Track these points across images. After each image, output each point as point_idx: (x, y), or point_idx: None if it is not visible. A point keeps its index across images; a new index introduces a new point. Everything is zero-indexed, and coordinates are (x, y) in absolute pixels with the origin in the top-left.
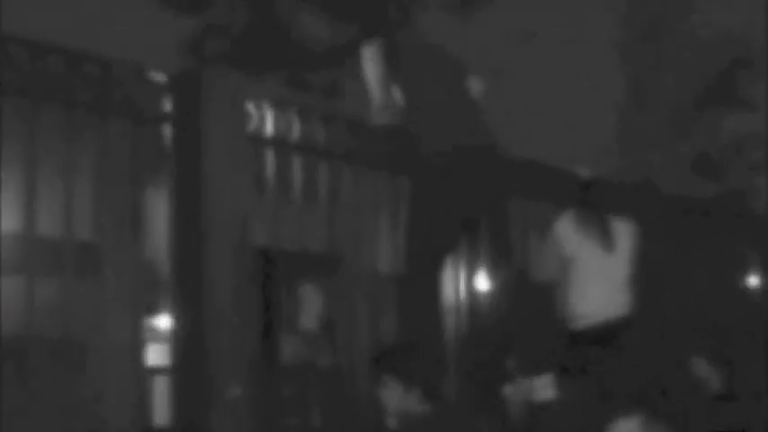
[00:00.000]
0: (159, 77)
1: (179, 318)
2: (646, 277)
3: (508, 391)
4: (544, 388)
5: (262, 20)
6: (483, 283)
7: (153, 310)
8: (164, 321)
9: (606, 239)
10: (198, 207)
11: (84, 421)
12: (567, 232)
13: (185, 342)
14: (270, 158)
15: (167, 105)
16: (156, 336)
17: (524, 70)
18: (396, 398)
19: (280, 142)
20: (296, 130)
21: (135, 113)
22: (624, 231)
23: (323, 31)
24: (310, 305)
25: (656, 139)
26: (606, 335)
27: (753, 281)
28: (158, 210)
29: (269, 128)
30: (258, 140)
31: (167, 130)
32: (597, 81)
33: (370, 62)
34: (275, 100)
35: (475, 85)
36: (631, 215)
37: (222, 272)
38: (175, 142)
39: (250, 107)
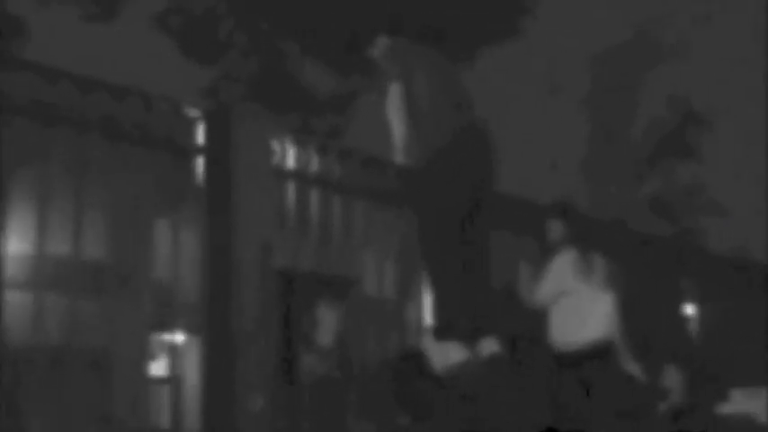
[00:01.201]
0: (193, 113)
1: (208, 334)
2: (622, 304)
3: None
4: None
5: (271, 70)
6: None
7: (161, 326)
8: (170, 337)
9: (599, 274)
10: (228, 233)
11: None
12: (567, 268)
13: (213, 357)
14: (290, 190)
15: (199, 138)
16: (163, 350)
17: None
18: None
19: (299, 176)
20: (314, 165)
21: (170, 145)
22: (605, 265)
23: (326, 81)
24: (326, 323)
25: (619, 181)
26: (595, 355)
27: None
28: (169, 234)
29: (290, 162)
30: (280, 174)
31: (196, 161)
32: (568, 128)
33: (393, 101)
34: (296, 137)
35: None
36: (608, 250)
37: (248, 292)
38: (207, 173)
39: (274, 143)
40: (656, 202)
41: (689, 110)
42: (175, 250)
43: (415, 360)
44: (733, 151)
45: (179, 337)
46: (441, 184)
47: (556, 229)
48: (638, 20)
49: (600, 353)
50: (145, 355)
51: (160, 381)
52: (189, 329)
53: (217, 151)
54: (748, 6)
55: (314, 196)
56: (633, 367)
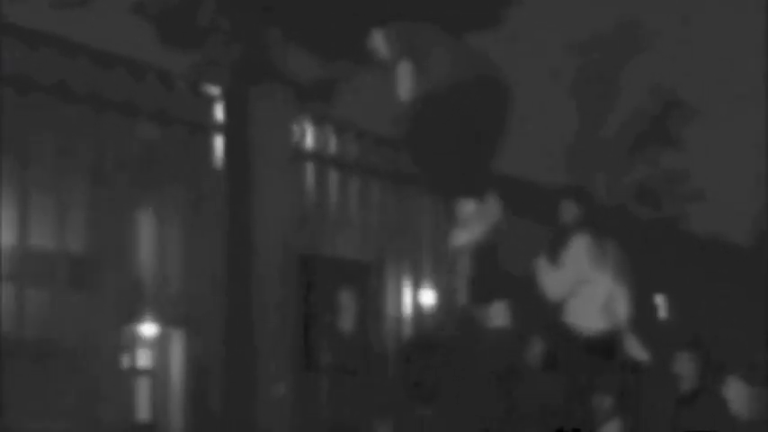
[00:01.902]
0: (213, 90)
1: (228, 319)
2: (630, 290)
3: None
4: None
5: (253, 56)
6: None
7: (137, 317)
8: (147, 329)
9: (611, 261)
10: (248, 213)
11: (73, 419)
12: (583, 254)
13: (233, 342)
14: (309, 171)
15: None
16: (140, 342)
17: None
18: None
19: (318, 156)
20: (332, 145)
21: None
22: (615, 251)
23: (310, 67)
24: (348, 309)
25: (603, 169)
26: (610, 342)
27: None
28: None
29: (308, 142)
30: (299, 154)
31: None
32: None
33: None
34: (314, 116)
35: None
36: (615, 235)
37: (269, 276)
38: (226, 152)
39: (292, 122)
40: (640, 189)
41: (671, 98)
42: (159, 241)
43: (427, 345)
44: (717, 138)
45: (159, 330)
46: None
47: (569, 211)
48: (623, 8)
49: (610, 341)
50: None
51: (140, 373)
52: (169, 321)
53: (236, 130)
54: None
55: (332, 177)
56: (641, 354)
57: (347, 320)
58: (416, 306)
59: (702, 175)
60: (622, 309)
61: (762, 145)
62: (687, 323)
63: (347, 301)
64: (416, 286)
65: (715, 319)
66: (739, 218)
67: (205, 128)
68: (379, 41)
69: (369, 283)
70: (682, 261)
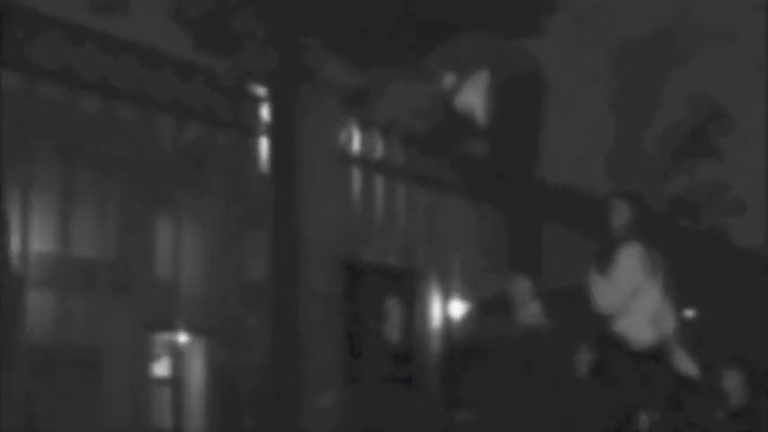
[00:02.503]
0: (260, 91)
1: (275, 326)
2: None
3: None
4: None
5: (289, 64)
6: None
7: (166, 326)
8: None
9: (660, 273)
10: (294, 217)
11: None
12: (637, 267)
13: (280, 351)
14: (355, 176)
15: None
16: (168, 350)
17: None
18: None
19: (364, 161)
20: (378, 150)
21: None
22: (664, 262)
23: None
24: (393, 318)
25: (642, 179)
26: (659, 354)
27: None
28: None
29: (355, 146)
30: (345, 158)
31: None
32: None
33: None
34: (361, 120)
35: None
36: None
37: (315, 282)
38: (272, 154)
39: (339, 126)
40: (678, 200)
41: (712, 109)
42: (178, 247)
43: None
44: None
45: (182, 338)
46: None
47: (621, 215)
48: (663, 17)
49: (658, 353)
50: (145, 356)
51: (162, 382)
52: (192, 330)
53: (282, 132)
54: None
55: (378, 183)
56: (690, 368)
57: (393, 329)
58: (459, 313)
59: (743, 187)
60: (670, 321)
61: None
62: (730, 337)
63: (392, 309)
64: (459, 293)
65: (756, 332)
66: None
67: (251, 130)
68: (441, 60)
69: (414, 290)
70: (723, 273)
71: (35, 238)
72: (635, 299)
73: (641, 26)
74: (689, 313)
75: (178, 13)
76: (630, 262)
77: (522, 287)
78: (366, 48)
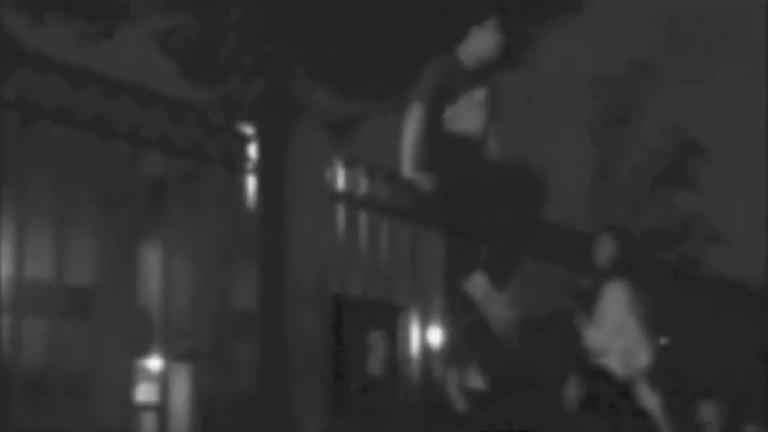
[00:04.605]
0: (248, 129)
1: (262, 360)
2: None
3: None
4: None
5: (275, 93)
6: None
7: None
8: (154, 363)
9: (642, 309)
10: (282, 253)
11: None
12: (623, 305)
13: (268, 382)
14: (340, 212)
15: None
16: (154, 377)
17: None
18: None
19: (349, 198)
20: (363, 187)
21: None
22: (645, 298)
23: (332, 105)
24: (377, 350)
25: (620, 210)
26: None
27: None
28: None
29: (340, 183)
30: (332, 195)
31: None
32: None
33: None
34: (345, 157)
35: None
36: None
37: (302, 316)
38: (260, 192)
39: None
40: (655, 231)
41: (687, 139)
42: (166, 275)
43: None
44: (733, 179)
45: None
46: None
47: (607, 249)
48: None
49: (626, 388)
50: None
51: (146, 407)
52: (176, 356)
53: (271, 170)
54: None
55: (363, 219)
56: (652, 403)
57: (376, 361)
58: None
59: (719, 218)
60: (645, 356)
61: None
62: (707, 368)
63: (376, 342)
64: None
65: (731, 363)
66: (756, 261)
67: (239, 166)
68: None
69: (398, 325)
70: (698, 304)
71: (25, 266)
72: (618, 336)
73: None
74: (665, 343)
75: (164, 43)
76: (616, 301)
77: (478, 283)
78: (354, 77)
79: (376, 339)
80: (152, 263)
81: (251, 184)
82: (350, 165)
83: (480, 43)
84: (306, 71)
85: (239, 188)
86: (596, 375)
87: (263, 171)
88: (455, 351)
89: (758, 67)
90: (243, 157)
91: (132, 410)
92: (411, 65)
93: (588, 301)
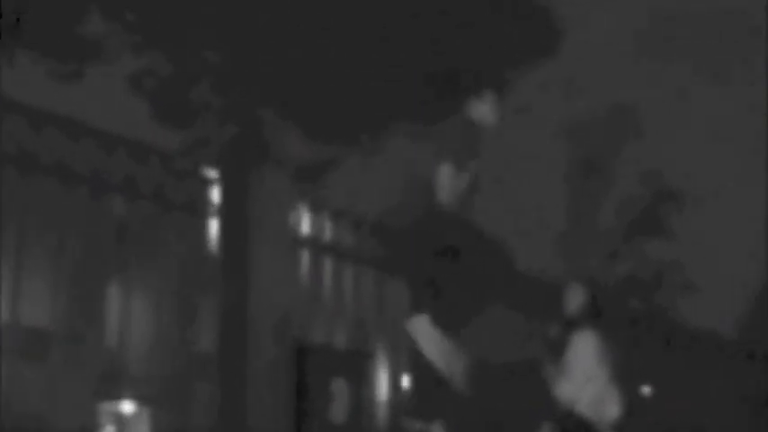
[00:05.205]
0: (211, 173)
1: (221, 405)
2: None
3: None
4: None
5: (247, 135)
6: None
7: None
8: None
9: (611, 360)
10: (244, 298)
11: None
12: (592, 355)
13: (227, 426)
14: (304, 258)
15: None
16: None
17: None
18: None
19: (314, 243)
20: (328, 232)
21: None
22: (613, 348)
23: (303, 149)
24: (341, 399)
25: (593, 258)
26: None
27: None
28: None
29: (304, 229)
30: (296, 240)
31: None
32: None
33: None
34: (311, 202)
35: None
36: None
37: (263, 362)
38: (223, 236)
39: (291, 208)
40: (628, 280)
41: (662, 186)
42: (126, 317)
43: None
44: (709, 228)
45: (128, 407)
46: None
47: (576, 299)
48: (616, 92)
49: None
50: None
51: None
52: (139, 399)
53: (234, 214)
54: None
55: (327, 264)
56: None
57: (340, 410)
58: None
59: (693, 266)
60: (614, 406)
61: (758, 233)
62: (675, 417)
63: (340, 390)
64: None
65: (701, 411)
66: (729, 310)
67: (201, 210)
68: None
69: (363, 373)
70: (670, 353)
71: None
72: (588, 385)
73: (594, 102)
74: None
75: (136, 83)
76: (585, 350)
77: (420, 325)
78: (326, 121)
79: (340, 387)
80: (113, 305)
81: (213, 228)
82: (315, 209)
83: (481, 113)
84: (277, 113)
85: (201, 232)
86: (568, 423)
87: (226, 215)
88: (420, 399)
89: (758, 68)
90: (205, 201)
91: None
92: (384, 108)
93: (557, 349)
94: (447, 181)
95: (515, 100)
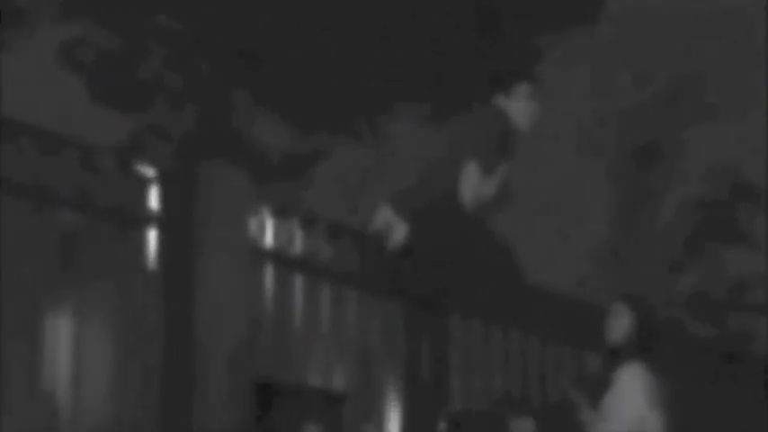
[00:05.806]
0: (147, 171)
1: None
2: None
3: None
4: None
5: (212, 123)
6: None
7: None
8: None
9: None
10: (189, 328)
11: None
12: (641, 395)
13: None
14: (268, 275)
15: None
16: None
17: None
18: None
19: (280, 257)
20: (298, 244)
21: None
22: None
23: (281, 139)
24: None
25: (647, 271)
26: None
27: None
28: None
29: (269, 239)
30: (257, 253)
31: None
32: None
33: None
34: (277, 207)
35: None
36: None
37: (214, 405)
38: (162, 250)
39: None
40: (696, 298)
41: (738, 181)
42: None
43: None
44: None
45: None
46: None
47: (621, 323)
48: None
49: None
50: None
51: None
52: None
53: (176, 223)
54: None
55: (297, 283)
56: None
57: None
58: None
59: None
60: None
61: None
62: None
63: None
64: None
65: None
66: None
67: (138, 218)
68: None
69: (338, 416)
70: (749, 393)
71: None
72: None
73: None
74: None
75: (68, 55)
76: (632, 389)
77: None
78: (306, 107)
79: None
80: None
81: (152, 239)
82: (282, 215)
83: (519, 115)
84: (251, 96)
85: (136, 245)
86: None
87: (166, 222)
88: None
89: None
90: (141, 206)
91: None
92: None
93: (597, 387)
94: (472, 184)
95: (547, 74)
